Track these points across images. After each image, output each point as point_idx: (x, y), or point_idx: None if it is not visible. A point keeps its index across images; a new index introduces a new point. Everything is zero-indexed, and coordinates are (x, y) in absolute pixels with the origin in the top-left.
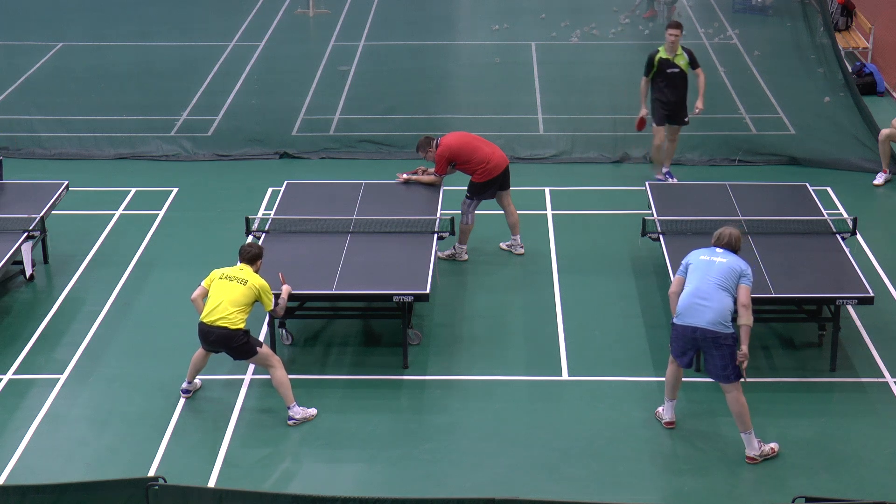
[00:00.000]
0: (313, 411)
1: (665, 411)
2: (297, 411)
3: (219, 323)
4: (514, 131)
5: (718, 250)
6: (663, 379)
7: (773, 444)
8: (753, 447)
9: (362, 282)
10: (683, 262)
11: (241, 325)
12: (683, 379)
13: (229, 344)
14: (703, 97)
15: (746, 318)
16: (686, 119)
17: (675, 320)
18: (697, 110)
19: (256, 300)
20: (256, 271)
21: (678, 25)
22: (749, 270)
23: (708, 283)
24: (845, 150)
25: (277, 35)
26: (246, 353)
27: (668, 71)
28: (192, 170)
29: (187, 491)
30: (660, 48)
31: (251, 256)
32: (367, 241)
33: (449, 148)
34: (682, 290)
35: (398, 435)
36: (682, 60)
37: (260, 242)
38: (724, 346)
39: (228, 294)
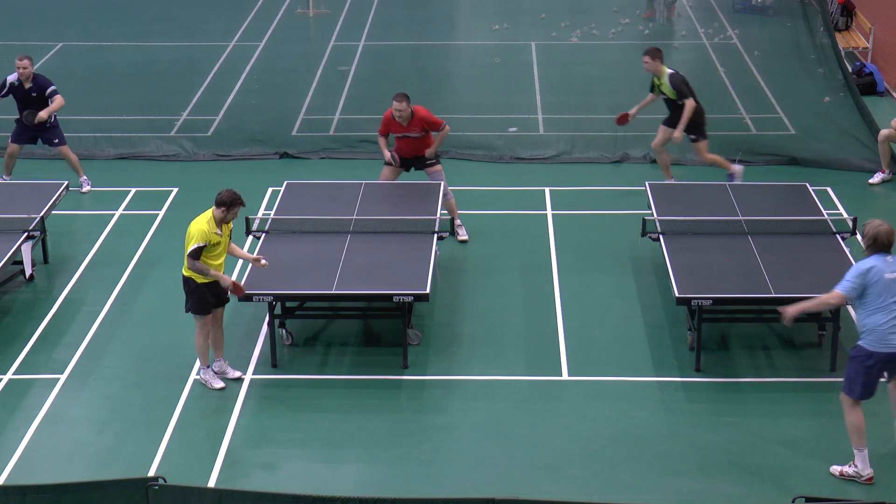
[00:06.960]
0: (220, 384)
1: (861, 465)
2: (207, 373)
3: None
4: (514, 131)
5: (889, 259)
6: (663, 378)
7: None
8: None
9: (362, 282)
10: (860, 280)
11: (187, 273)
12: (682, 379)
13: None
14: (682, 125)
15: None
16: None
17: (875, 348)
18: (675, 140)
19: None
20: (222, 219)
21: (647, 52)
22: None
23: None
24: (845, 150)
25: (277, 35)
26: (186, 303)
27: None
28: (192, 170)
29: (187, 491)
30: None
31: (217, 201)
32: (367, 241)
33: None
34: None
35: (398, 435)
36: (665, 89)
37: (260, 242)
38: None
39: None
